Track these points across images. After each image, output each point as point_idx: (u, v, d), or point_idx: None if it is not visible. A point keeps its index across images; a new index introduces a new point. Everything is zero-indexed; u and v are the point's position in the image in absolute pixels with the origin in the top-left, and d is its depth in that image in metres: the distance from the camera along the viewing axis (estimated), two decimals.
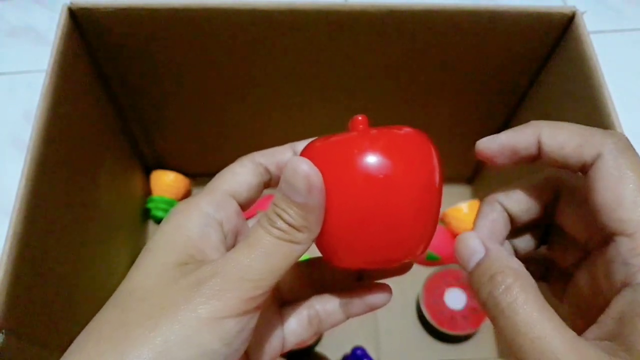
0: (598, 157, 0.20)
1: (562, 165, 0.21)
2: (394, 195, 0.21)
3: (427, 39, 0.39)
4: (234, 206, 0.23)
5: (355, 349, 0.51)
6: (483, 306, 0.20)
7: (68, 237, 0.37)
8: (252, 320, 0.20)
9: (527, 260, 0.25)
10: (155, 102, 0.47)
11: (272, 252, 0.20)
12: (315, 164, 0.20)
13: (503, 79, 0.44)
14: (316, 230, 0.21)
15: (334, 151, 0.21)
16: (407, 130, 0.22)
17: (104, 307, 0.20)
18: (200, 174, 0.59)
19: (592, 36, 0.35)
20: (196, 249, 0.21)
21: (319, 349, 0.52)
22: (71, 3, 0.35)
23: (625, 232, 0.19)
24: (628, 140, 0.21)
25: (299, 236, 0.20)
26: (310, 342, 0.51)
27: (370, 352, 0.51)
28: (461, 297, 0.52)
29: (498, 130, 0.54)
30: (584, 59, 0.35)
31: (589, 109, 0.34)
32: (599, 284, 0.21)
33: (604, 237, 0.20)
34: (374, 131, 0.22)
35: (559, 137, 0.21)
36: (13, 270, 0.28)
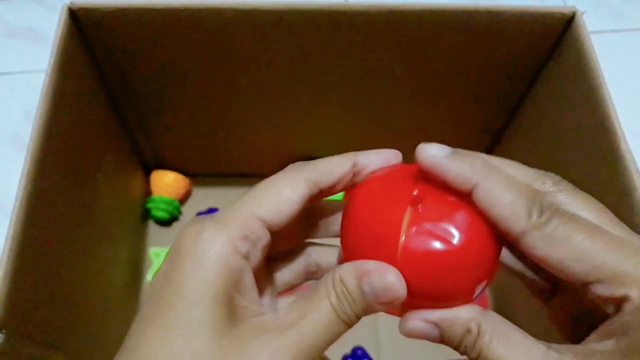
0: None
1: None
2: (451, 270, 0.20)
3: (427, 39, 0.39)
4: (267, 240, 0.21)
5: (355, 349, 0.51)
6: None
7: (68, 237, 0.37)
8: None
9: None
10: (156, 102, 0.47)
11: (330, 329, 0.20)
12: (369, 208, 0.21)
13: (503, 79, 0.44)
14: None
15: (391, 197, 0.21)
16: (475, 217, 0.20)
17: None
18: (200, 174, 0.59)
19: (592, 36, 0.35)
20: (232, 293, 0.20)
21: None
22: (71, 3, 0.35)
23: (598, 279, 0.18)
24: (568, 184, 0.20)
25: (354, 320, 0.20)
26: None
27: (370, 352, 0.51)
28: None
29: (498, 130, 0.53)
30: (584, 59, 0.35)
31: (589, 109, 0.34)
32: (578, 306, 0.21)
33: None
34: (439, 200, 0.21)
35: (491, 198, 0.19)
36: (13, 270, 0.28)
